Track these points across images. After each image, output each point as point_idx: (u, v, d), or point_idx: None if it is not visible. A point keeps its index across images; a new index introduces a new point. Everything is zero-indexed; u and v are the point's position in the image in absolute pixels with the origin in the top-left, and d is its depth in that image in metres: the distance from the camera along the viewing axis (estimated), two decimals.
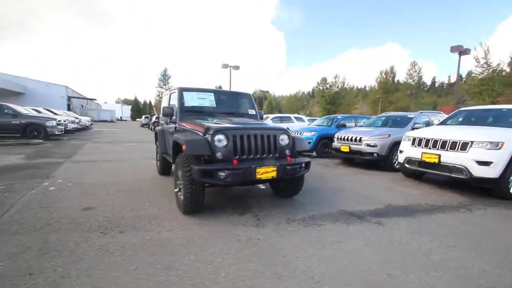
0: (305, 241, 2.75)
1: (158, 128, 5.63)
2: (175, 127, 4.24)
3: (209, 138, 3.19)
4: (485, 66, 37.04)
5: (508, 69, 34.77)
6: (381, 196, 4.49)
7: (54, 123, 11.99)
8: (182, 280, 2.03)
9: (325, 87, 54.52)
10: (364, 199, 4.25)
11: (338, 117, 10.04)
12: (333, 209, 3.73)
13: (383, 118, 8.65)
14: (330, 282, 2.06)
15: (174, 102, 4.70)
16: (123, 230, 2.88)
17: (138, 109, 74.88)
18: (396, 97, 50.68)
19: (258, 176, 3.14)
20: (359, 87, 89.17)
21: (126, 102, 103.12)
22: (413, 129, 6.93)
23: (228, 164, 3.09)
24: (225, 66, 22.88)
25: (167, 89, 5.25)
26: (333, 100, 52.46)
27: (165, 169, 5.42)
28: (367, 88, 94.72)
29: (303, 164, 3.54)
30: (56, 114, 16.74)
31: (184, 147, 3.07)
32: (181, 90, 4.40)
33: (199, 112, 4.35)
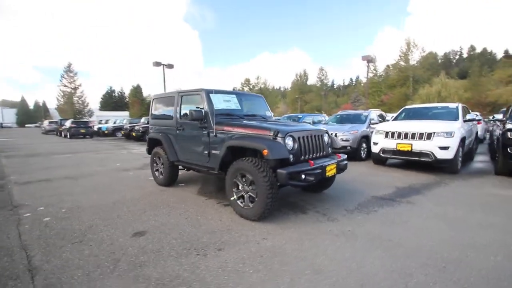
0: (383, 225, 3.15)
1: (157, 134, 4.96)
2: (209, 132, 3.94)
3: (281, 141, 3.19)
4: (374, 72, 46.48)
5: (390, 74, 44.64)
6: (383, 181, 5.33)
7: None
8: (347, 278, 2.10)
9: (248, 87, 57.02)
10: (374, 185, 4.97)
11: (299, 116, 10.97)
12: (366, 197, 4.27)
13: (338, 116, 9.97)
14: (445, 249, 2.51)
15: (192, 105, 4.32)
16: (218, 247, 2.61)
17: (28, 112, 59.76)
18: (310, 97, 57.67)
19: (327, 174, 3.36)
20: (276, 88, 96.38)
21: (4, 104, 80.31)
22: (370, 124, 8.34)
23: (306, 165, 3.19)
24: (158, 64, 20.99)
25: (176, 90, 4.73)
26: None
27: (172, 179, 4.86)
28: (282, 89, 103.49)
29: (346, 160, 3.94)
30: None
31: (265, 152, 2.98)
32: (208, 92, 4.10)
33: (229, 115, 4.15)
